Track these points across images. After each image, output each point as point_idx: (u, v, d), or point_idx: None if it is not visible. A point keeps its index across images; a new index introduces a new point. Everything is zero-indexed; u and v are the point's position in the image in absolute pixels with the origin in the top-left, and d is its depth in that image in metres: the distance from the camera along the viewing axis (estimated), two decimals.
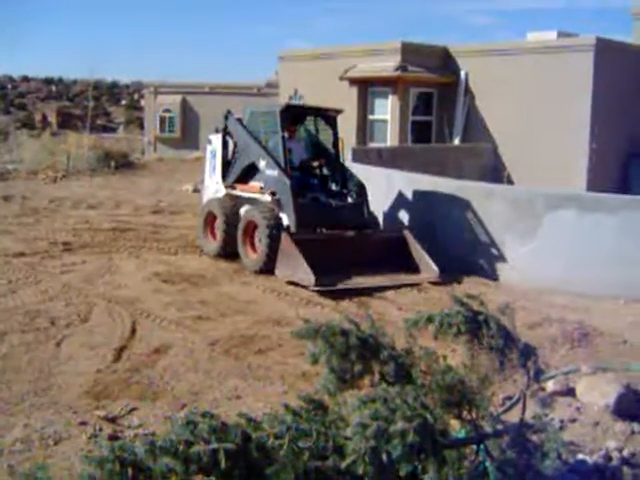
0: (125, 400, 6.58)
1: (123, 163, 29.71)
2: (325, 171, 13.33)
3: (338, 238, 12.20)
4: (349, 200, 12.78)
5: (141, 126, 48.68)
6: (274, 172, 12.32)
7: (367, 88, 23.52)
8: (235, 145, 13.51)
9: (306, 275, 10.85)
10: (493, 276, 11.89)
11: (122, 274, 11.49)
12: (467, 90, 22.75)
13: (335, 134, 13.36)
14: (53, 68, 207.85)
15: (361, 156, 17.24)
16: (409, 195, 13.59)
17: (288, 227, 11.86)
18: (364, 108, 23.57)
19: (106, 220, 16.44)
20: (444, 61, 23.26)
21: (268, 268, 11.63)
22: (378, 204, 14.01)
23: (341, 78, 23.41)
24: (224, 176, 13.55)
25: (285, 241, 11.35)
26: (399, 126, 22.52)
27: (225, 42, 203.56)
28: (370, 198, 12.88)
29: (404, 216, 13.56)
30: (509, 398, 5.96)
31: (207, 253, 13.21)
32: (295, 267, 11.11)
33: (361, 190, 12.75)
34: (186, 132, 36.92)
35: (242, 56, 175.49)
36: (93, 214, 17.43)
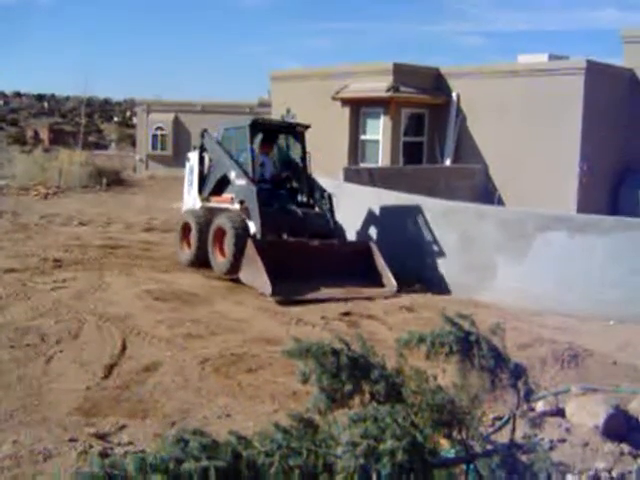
0: (115, 417, 6.56)
1: (115, 180, 29.78)
2: (295, 183, 13.98)
3: (303, 246, 12.37)
4: (315, 210, 13.33)
5: (133, 144, 48.75)
6: (243, 182, 12.91)
7: (359, 108, 23.62)
8: (210, 160, 14.27)
9: (264, 283, 11.22)
10: (483, 296, 11.91)
11: (113, 291, 11.47)
12: (458, 111, 22.88)
13: (303, 148, 14.01)
14: (46, 84, 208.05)
15: (353, 176, 17.31)
16: (399, 215, 13.63)
17: (255, 234, 12.29)
18: (356, 128, 23.67)
19: (97, 237, 16.43)
20: (436, 82, 23.40)
21: (233, 271, 12.19)
22: (368, 223, 14.07)
23: (333, 98, 23.52)
24: (200, 190, 14.27)
25: (249, 247, 11.70)
26: (391, 146, 22.62)
27: (218, 61, 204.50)
28: (360, 217, 13.03)
29: (393, 236, 13.58)
30: (499, 418, 5.98)
31: (182, 262, 13.79)
32: (256, 274, 11.49)
33: (327, 200, 13.28)
34: (178, 150, 36.95)
35: (235, 75, 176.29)
36: (84, 231, 17.42)
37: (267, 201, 12.72)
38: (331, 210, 13.22)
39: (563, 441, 5.84)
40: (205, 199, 14.09)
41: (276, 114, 26.79)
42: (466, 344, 4.07)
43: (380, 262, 12.54)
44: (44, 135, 66.33)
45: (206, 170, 14.33)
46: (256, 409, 6.91)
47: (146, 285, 11.87)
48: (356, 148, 23.67)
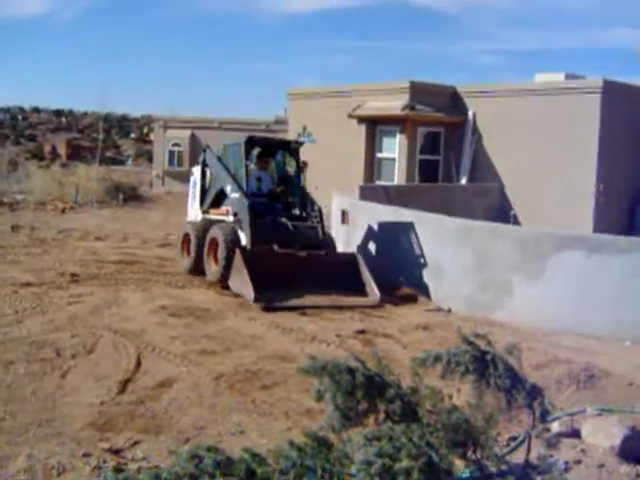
0: (129, 433, 6.57)
1: (131, 196, 29.92)
2: (290, 197, 14.58)
3: (289, 256, 12.80)
4: (308, 222, 13.82)
5: (150, 159, 49.02)
6: (237, 195, 13.55)
7: (375, 126, 23.67)
8: (211, 175, 15.00)
9: (248, 291, 11.83)
10: (499, 315, 11.86)
11: (128, 306, 11.50)
12: (474, 130, 22.89)
13: (297, 164, 14.70)
14: (64, 100, 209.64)
15: (368, 193, 17.33)
16: (415, 233, 13.63)
17: (245, 245, 12.89)
18: (372, 146, 23.72)
19: (113, 252, 16.50)
20: (452, 101, 23.43)
21: (224, 279, 12.82)
22: (382, 240, 14.07)
23: (350, 116, 23.58)
24: (202, 202, 15.03)
25: (237, 257, 12.37)
26: (407, 164, 22.64)
27: (235, 78, 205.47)
28: (375, 234, 13.10)
29: (410, 253, 13.58)
30: (514, 438, 5.94)
31: (182, 269, 14.50)
32: (242, 282, 12.13)
33: (318, 213, 13.84)
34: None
35: (252, 92, 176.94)
36: (101, 246, 17.50)
37: (261, 214, 13.35)
38: (321, 222, 13.74)
39: (579, 462, 5.79)
40: (205, 211, 14.83)
41: (292, 131, 26.88)
42: (482, 363, 4.05)
43: (365, 273, 13.03)
44: (62, 150, 66.84)
45: (207, 184, 15.03)
46: (270, 426, 6.90)
47: (161, 301, 11.90)
48: (372, 166, 23.71)
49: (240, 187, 13.55)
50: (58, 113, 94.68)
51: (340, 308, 12.01)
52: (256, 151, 14.75)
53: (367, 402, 4.05)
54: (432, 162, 23.65)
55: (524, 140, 21.13)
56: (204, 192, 15.00)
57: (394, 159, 23.14)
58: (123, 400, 7.41)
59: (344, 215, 15.51)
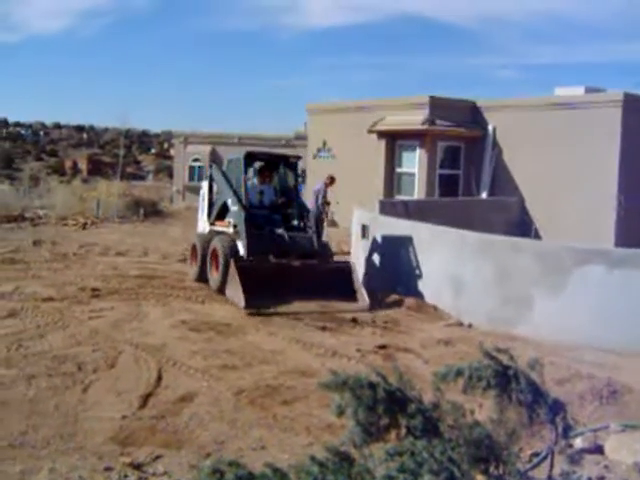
0: (150, 447, 6.58)
1: (152, 211, 30.06)
2: (289, 210, 15.15)
3: (283, 266, 13.44)
4: (305, 233, 14.44)
5: (170, 175, 49.24)
6: (236, 208, 14.17)
7: (395, 141, 23.71)
8: (217, 189, 15.64)
9: (239, 297, 12.55)
10: (520, 330, 11.79)
11: (149, 321, 11.54)
12: (494, 144, 22.87)
13: (295, 177, 15.62)
14: (85, 116, 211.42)
15: (388, 208, 17.33)
16: (435, 248, 13.60)
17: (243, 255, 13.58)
18: (392, 161, 23.75)
19: (134, 267, 16.57)
20: (472, 115, 23.44)
21: (223, 287, 13.52)
22: (402, 255, 14.05)
23: (369, 131, 23.64)
24: (209, 215, 15.69)
25: (231, 267, 13.12)
26: (426, 179, 22.64)
27: (255, 94, 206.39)
28: (394, 249, 13.15)
29: (429, 268, 13.55)
30: (537, 454, 5.89)
31: (190, 277, 15.35)
32: (235, 289, 12.84)
33: (316, 223, 14.81)
34: None
35: (272, 108, 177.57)
36: (122, 261, 17.58)
37: (260, 225, 14.10)
38: (317, 233, 14.58)
39: (602, 479, 5.74)
40: (212, 223, 15.50)
41: (312, 147, 26.95)
42: (504, 378, 4.03)
43: (357, 280, 13.71)
44: (83, 166, 67.37)
45: (214, 198, 15.68)
46: (291, 441, 6.89)
47: (181, 315, 11.93)
48: (392, 180, 23.72)
49: (239, 200, 14.14)
50: (79, 129, 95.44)
51: (327, 313, 12.62)
52: (258, 165, 15.64)
53: (388, 417, 4.04)
54: (452, 176, 23.64)
55: (544, 154, 21.08)
56: (211, 205, 15.71)
57: (414, 174, 23.15)
58: (144, 414, 7.43)
59: (364, 230, 15.53)
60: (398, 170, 23.74)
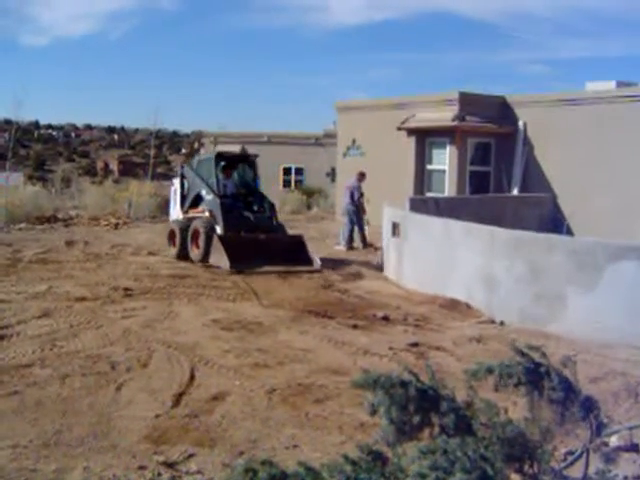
0: (183, 446, 6.61)
1: None
2: (250, 198, 18.80)
3: (253, 239, 17.20)
4: (263, 214, 18.28)
5: None
6: (210, 197, 18.09)
7: (425, 138, 23.62)
8: (188, 184, 19.31)
9: (224, 261, 16.08)
10: (553, 328, 11.70)
11: (181, 320, 11.60)
12: (525, 140, 22.70)
13: (255, 172, 19.44)
14: (116, 117, 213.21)
15: (419, 205, 17.27)
16: (466, 245, 13.53)
17: (220, 233, 17.10)
18: (422, 158, 23.66)
19: (165, 266, 16.67)
20: (502, 111, 23.28)
21: (204, 260, 16.87)
22: (433, 252, 13.99)
23: (399, 128, 23.57)
24: (182, 205, 19.29)
25: (216, 240, 16.70)
26: (457, 176, 22.54)
27: (285, 93, 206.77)
28: (426, 246, 13.08)
29: (461, 265, 13.48)
30: (571, 453, 5.84)
31: (170, 256, 18.10)
32: (220, 256, 16.33)
33: (271, 207, 18.54)
34: None
35: (302, 106, 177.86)
36: (153, 260, 17.69)
37: (229, 210, 17.66)
38: (273, 214, 18.43)
39: (638, 477, 5.69)
40: (185, 212, 19.03)
41: (342, 144, 26.92)
42: (535, 375, 4.00)
43: (309, 249, 17.31)
44: (114, 166, 67.90)
45: (185, 191, 19.32)
46: (323, 440, 6.89)
47: (213, 314, 11.99)
48: (422, 178, 23.64)
49: (212, 190, 18.01)
50: (110, 130, 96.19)
51: (290, 272, 15.87)
52: (222, 163, 18.97)
53: (421, 416, 4.02)
54: (483, 173, 23.51)
55: (576, 149, 20.89)
56: (183, 198, 19.29)
57: (444, 170, 23.05)
58: (177, 413, 7.47)
59: (395, 227, 15.50)
60: (428, 167, 23.65)
